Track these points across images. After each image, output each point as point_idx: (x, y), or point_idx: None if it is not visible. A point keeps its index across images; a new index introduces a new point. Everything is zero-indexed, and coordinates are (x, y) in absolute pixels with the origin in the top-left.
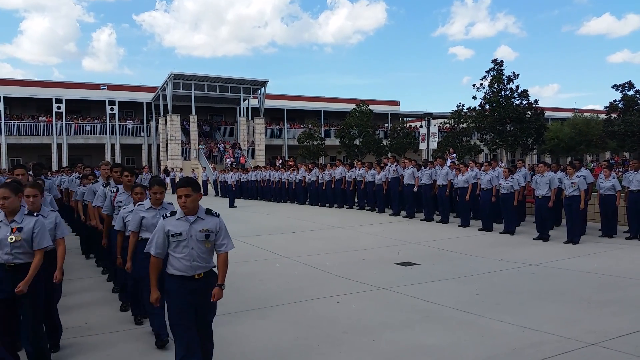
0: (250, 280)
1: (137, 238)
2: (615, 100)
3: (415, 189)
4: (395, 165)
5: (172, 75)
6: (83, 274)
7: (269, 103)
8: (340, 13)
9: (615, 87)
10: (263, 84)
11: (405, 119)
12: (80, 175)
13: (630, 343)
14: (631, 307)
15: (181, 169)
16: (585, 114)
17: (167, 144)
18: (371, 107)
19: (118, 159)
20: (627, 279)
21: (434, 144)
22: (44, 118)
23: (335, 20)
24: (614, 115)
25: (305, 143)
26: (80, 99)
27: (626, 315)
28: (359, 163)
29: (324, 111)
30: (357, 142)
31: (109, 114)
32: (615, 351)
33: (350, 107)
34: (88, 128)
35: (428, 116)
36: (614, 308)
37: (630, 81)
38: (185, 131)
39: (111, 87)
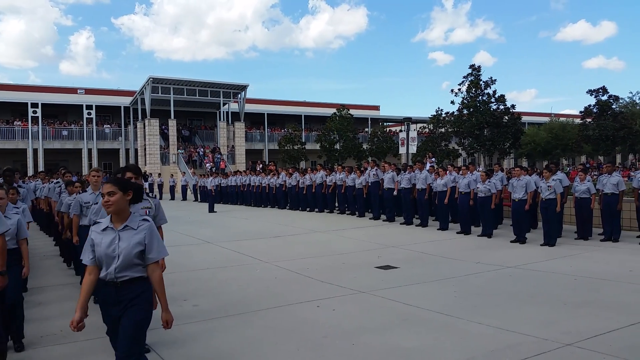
0: (230, 286)
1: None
2: (589, 105)
3: (395, 192)
4: (375, 170)
5: (151, 79)
6: (62, 281)
7: (250, 107)
8: (321, 18)
9: (590, 92)
10: (243, 88)
11: (385, 124)
12: (63, 182)
13: (604, 343)
14: (606, 308)
15: (159, 174)
16: (561, 119)
17: (145, 149)
18: (351, 111)
19: (95, 164)
20: (602, 280)
21: (413, 149)
22: (19, 123)
23: (316, 25)
24: (588, 120)
25: (286, 147)
26: (56, 104)
27: (601, 315)
28: (340, 167)
29: (304, 116)
30: (337, 146)
31: (86, 118)
32: (590, 351)
33: (330, 111)
34: (65, 133)
35: (407, 121)
36: (589, 309)
37: (604, 86)
38: (164, 136)
39: (88, 91)
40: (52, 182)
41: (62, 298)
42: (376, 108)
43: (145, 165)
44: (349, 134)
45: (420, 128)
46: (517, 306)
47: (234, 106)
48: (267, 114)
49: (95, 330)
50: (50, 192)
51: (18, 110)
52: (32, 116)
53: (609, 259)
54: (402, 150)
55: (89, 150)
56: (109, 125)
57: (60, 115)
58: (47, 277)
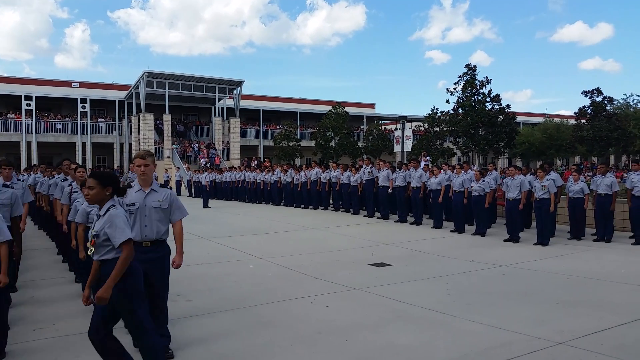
0: (224, 281)
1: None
2: (584, 106)
3: (390, 190)
4: (370, 167)
5: (146, 74)
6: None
7: (245, 103)
8: (319, 15)
9: (585, 93)
10: (239, 84)
11: (380, 122)
12: (74, 181)
13: (596, 341)
14: (597, 307)
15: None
16: (555, 119)
17: (139, 143)
18: (347, 109)
19: (89, 158)
20: (595, 280)
21: (408, 147)
22: (12, 115)
23: (313, 22)
24: (583, 121)
25: (281, 144)
26: (51, 97)
27: (592, 315)
28: (335, 165)
29: (300, 112)
30: (332, 143)
31: (81, 112)
32: (581, 350)
33: (326, 109)
34: (59, 126)
35: (403, 119)
36: (582, 308)
37: (598, 88)
38: (159, 130)
39: (83, 85)
40: (54, 176)
41: (60, 294)
42: (372, 106)
43: None
44: (345, 132)
45: (415, 127)
46: (510, 305)
47: (229, 102)
48: (263, 110)
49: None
50: (52, 188)
51: (12, 102)
52: (26, 109)
53: (601, 259)
54: (397, 148)
55: (83, 144)
56: (103, 119)
57: (54, 108)
58: (42, 269)
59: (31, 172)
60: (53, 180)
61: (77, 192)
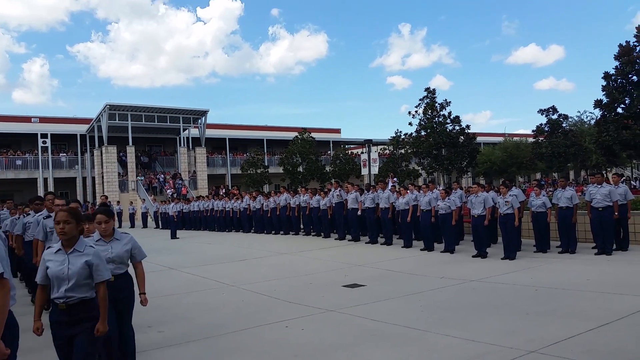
0: (196, 310)
1: None
2: (541, 124)
3: (359, 212)
4: (339, 190)
5: (108, 106)
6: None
7: (211, 132)
8: (281, 44)
9: (541, 111)
10: (203, 113)
11: (346, 146)
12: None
13: (566, 348)
14: (566, 315)
15: (118, 202)
16: (515, 138)
17: (102, 177)
18: (313, 134)
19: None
20: (562, 290)
21: (375, 169)
22: None
23: (276, 51)
24: (541, 138)
25: (249, 171)
26: (10, 132)
27: (561, 323)
28: (303, 189)
29: (266, 139)
30: (300, 169)
31: (41, 147)
32: (552, 356)
33: (292, 135)
34: (19, 162)
35: (368, 143)
36: (551, 317)
37: (553, 106)
38: (122, 163)
39: (43, 120)
40: (28, 214)
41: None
42: (337, 131)
43: (103, 192)
44: (312, 157)
45: (381, 149)
46: (482, 317)
47: (194, 131)
48: (229, 138)
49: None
50: (33, 228)
51: None
52: None
53: (567, 269)
54: (364, 171)
55: (45, 179)
56: (64, 154)
57: (13, 144)
58: None
59: (3, 209)
60: (34, 219)
61: None
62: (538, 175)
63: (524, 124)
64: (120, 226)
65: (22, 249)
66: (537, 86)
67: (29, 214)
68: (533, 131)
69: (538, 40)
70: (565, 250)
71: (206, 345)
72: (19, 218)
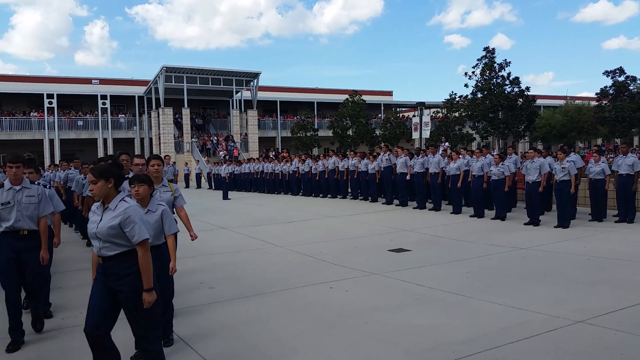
0: (245, 269)
1: None
2: (606, 87)
3: (408, 177)
4: (388, 154)
5: (164, 69)
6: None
7: (262, 95)
8: (335, 3)
9: (606, 73)
10: (255, 75)
11: (398, 109)
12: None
13: (615, 320)
14: (617, 286)
15: (174, 162)
16: (577, 102)
17: (159, 138)
18: (364, 97)
19: (111, 154)
20: (615, 260)
21: (426, 133)
22: (35, 113)
23: (330, 10)
24: (605, 102)
25: (299, 134)
26: (71, 94)
27: (612, 294)
28: (352, 153)
29: (317, 102)
30: (350, 132)
31: (101, 108)
32: (600, 327)
33: (343, 98)
34: (80, 123)
35: (421, 105)
36: (601, 287)
37: (620, 67)
38: (178, 124)
39: (103, 82)
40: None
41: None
42: (389, 94)
43: (161, 154)
44: (362, 120)
45: (433, 113)
46: (529, 286)
47: (246, 94)
48: (280, 101)
49: None
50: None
51: (34, 101)
52: (47, 107)
53: (622, 239)
54: (415, 135)
55: (104, 140)
56: (123, 115)
57: (75, 105)
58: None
59: (56, 170)
60: None
61: None
62: (599, 141)
63: (588, 86)
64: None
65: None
66: (605, 46)
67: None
68: (597, 94)
69: None
70: (622, 219)
71: (254, 303)
72: (84, 178)
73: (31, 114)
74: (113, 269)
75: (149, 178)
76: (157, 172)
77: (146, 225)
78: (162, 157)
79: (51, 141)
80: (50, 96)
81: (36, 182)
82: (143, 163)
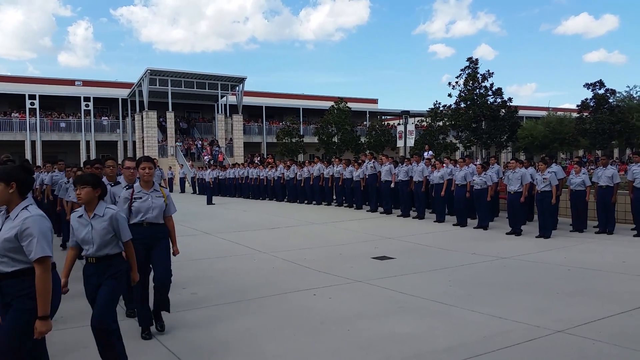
0: (228, 275)
1: None
2: (586, 99)
3: (392, 185)
4: (373, 162)
5: (149, 71)
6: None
7: (248, 100)
8: (322, 10)
9: (587, 85)
10: (241, 80)
11: (383, 117)
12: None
13: (594, 329)
14: (597, 297)
15: (159, 166)
16: (558, 113)
17: (143, 141)
18: (349, 104)
19: (93, 156)
20: (595, 271)
21: (411, 142)
22: (17, 114)
23: (316, 17)
24: (585, 114)
25: (284, 140)
26: (54, 95)
27: (592, 304)
28: (337, 160)
29: (302, 108)
30: (335, 139)
31: (84, 110)
32: (580, 337)
33: (328, 104)
34: (62, 125)
35: (405, 114)
36: (581, 298)
37: (600, 80)
38: (162, 128)
39: (86, 83)
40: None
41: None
42: (374, 101)
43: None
44: (347, 127)
45: (418, 121)
46: (511, 295)
47: (232, 99)
48: (265, 106)
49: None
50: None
51: (16, 102)
52: (29, 108)
53: (603, 250)
54: (399, 143)
55: (87, 142)
56: (106, 117)
57: (58, 107)
58: None
59: (40, 172)
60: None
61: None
62: (581, 152)
63: (570, 98)
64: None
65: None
66: (586, 58)
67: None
68: (578, 106)
69: (591, 9)
70: (602, 230)
71: (236, 308)
72: (68, 182)
73: (12, 114)
74: (10, 288)
75: (94, 178)
76: (148, 176)
77: (47, 241)
78: (154, 159)
79: (33, 143)
80: (32, 97)
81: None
82: (134, 167)
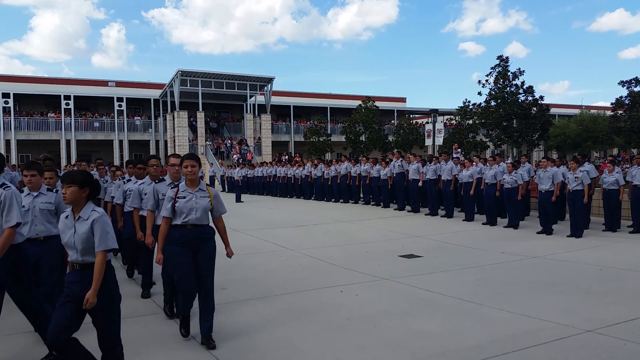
0: (256, 271)
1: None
2: (621, 97)
3: (420, 184)
4: (401, 161)
5: (180, 72)
6: None
7: (276, 100)
8: (350, 9)
9: (622, 83)
10: (269, 80)
11: (411, 116)
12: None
13: (625, 330)
14: (629, 297)
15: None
16: (592, 111)
17: (174, 140)
18: (377, 103)
19: (126, 155)
20: (627, 271)
21: (439, 140)
22: (52, 114)
23: (344, 17)
24: (620, 112)
25: (312, 139)
26: (88, 96)
27: (623, 304)
28: (365, 159)
29: (330, 108)
30: (362, 138)
31: (117, 110)
32: (610, 337)
33: (356, 103)
34: (96, 124)
35: (434, 112)
36: (612, 298)
37: (637, 77)
38: (193, 128)
39: (119, 84)
40: (122, 178)
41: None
42: (402, 100)
43: None
44: (375, 126)
45: (447, 120)
46: (540, 294)
47: (260, 98)
48: (293, 106)
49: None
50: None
51: (52, 102)
52: (65, 108)
53: (635, 250)
54: (428, 142)
55: (120, 142)
56: (139, 117)
57: (92, 107)
58: None
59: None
60: (135, 186)
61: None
62: (615, 151)
63: (604, 96)
64: None
65: (121, 221)
66: (622, 55)
67: (124, 178)
68: (612, 104)
69: (627, 4)
70: (636, 230)
71: (265, 304)
72: (107, 182)
73: (49, 114)
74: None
75: (83, 176)
76: (192, 174)
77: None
78: (199, 157)
79: (68, 142)
80: (67, 97)
81: (54, 190)
82: (179, 164)
